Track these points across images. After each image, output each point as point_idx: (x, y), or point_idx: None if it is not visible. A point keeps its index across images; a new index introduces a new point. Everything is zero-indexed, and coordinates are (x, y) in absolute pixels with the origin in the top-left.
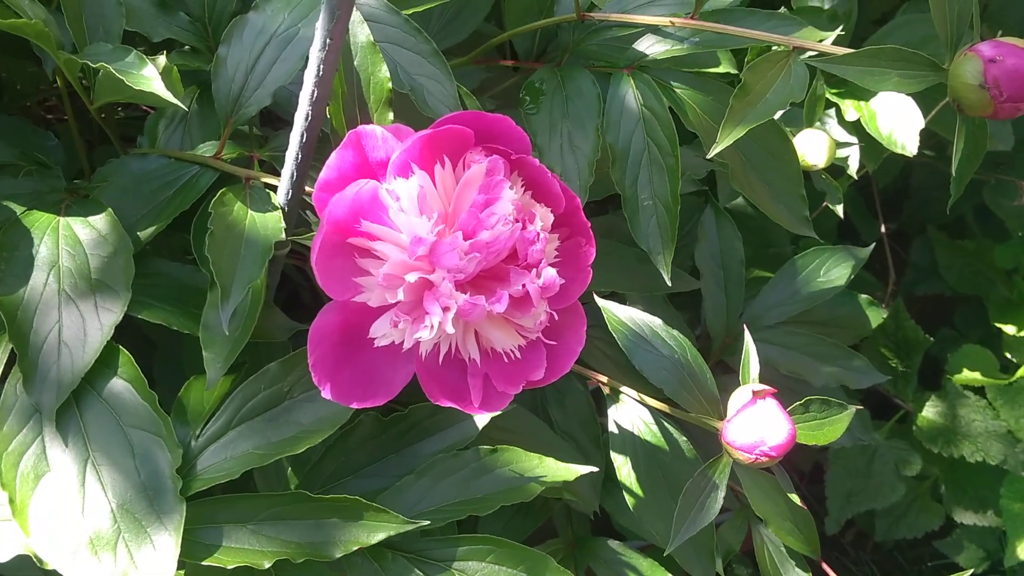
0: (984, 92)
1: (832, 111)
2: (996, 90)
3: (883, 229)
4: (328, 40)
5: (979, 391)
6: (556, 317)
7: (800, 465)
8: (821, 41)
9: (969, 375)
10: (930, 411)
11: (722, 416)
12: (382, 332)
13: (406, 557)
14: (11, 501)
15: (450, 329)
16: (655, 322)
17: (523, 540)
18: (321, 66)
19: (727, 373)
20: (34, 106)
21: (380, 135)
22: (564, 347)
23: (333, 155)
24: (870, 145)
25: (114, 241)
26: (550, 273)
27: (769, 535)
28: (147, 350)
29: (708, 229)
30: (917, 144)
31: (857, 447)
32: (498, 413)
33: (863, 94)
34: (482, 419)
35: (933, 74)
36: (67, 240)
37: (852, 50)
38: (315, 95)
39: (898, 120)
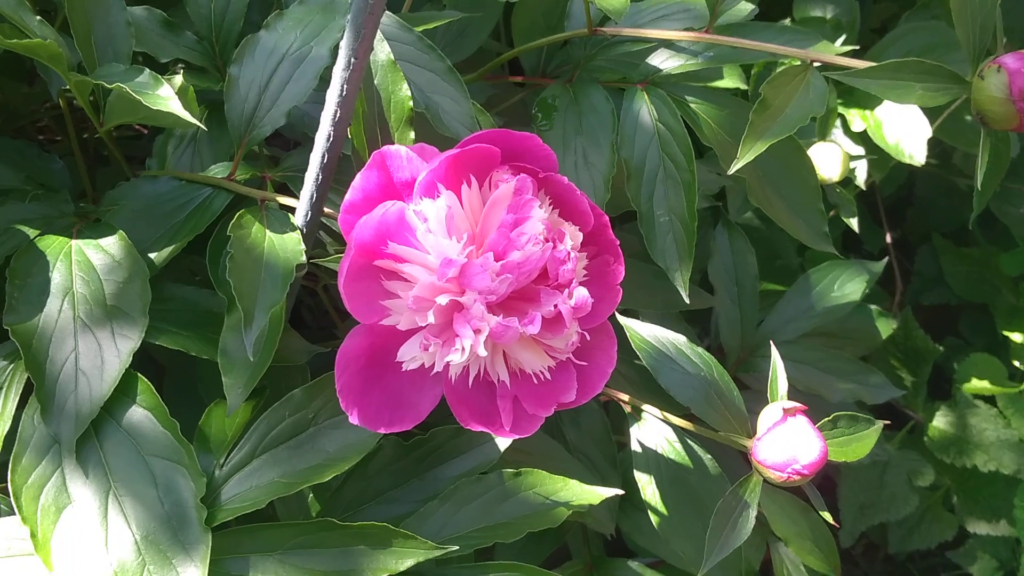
0: (1011, 105)
1: (838, 122)
2: (1023, 103)
3: (888, 239)
4: (352, 59)
5: (989, 400)
6: (588, 337)
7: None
8: (838, 54)
9: (978, 384)
10: (940, 421)
11: (751, 434)
12: (411, 355)
13: None
14: (33, 535)
15: (482, 352)
16: (679, 339)
17: (540, 563)
18: (345, 86)
19: (742, 390)
20: (28, 127)
21: (405, 155)
22: (595, 368)
23: (358, 176)
24: (877, 154)
25: (129, 266)
26: (582, 293)
27: (788, 553)
28: (155, 373)
29: (721, 244)
30: (925, 153)
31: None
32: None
33: (868, 103)
34: (504, 441)
35: (957, 87)
36: (80, 265)
37: (871, 63)
38: (337, 116)
39: (905, 129)
